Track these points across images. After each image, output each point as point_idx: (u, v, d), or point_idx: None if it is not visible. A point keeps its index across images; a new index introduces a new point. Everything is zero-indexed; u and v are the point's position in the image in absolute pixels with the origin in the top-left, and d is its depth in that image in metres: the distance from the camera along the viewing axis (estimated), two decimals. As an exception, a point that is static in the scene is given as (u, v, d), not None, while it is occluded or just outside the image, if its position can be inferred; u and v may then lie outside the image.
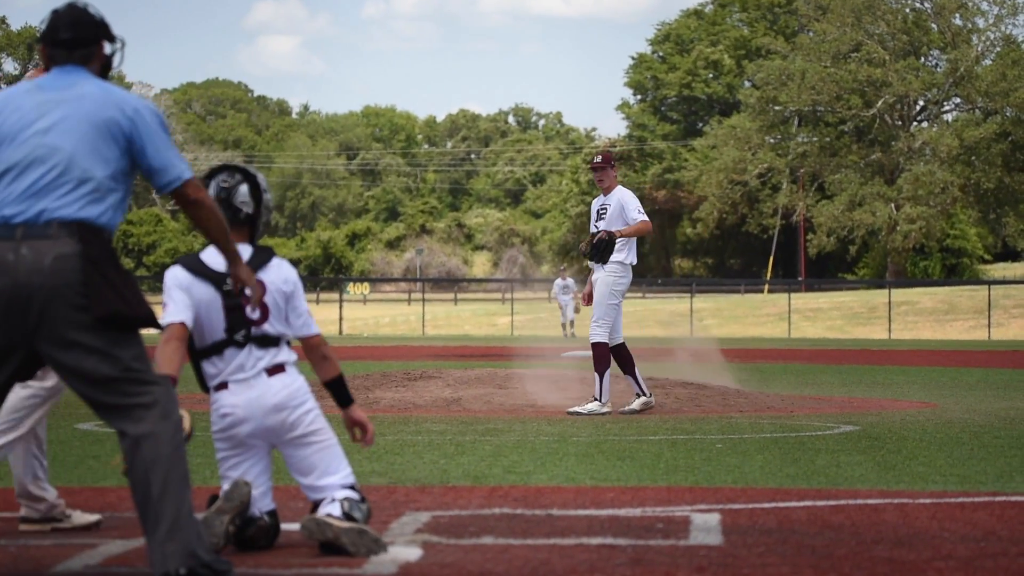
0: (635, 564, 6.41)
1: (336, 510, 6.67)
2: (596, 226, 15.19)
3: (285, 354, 6.81)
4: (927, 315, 59.24)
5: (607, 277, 15.12)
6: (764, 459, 10.76)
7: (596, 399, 14.96)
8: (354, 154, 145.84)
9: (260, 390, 6.72)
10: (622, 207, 15.15)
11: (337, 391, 6.89)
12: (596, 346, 14.98)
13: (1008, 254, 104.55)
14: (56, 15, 6.15)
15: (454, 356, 31.32)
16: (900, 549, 6.83)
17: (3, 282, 5.80)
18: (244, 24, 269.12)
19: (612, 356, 15.02)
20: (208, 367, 6.79)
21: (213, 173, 6.93)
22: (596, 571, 6.26)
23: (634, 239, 15.21)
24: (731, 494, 8.78)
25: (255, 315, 6.76)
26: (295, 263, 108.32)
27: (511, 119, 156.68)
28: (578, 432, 12.88)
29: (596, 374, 14.96)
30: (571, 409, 15.01)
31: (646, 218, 15.14)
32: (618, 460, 10.63)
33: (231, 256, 6.25)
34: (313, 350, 6.87)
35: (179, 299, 6.73)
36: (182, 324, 6.68)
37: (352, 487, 6.79)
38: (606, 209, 15.21)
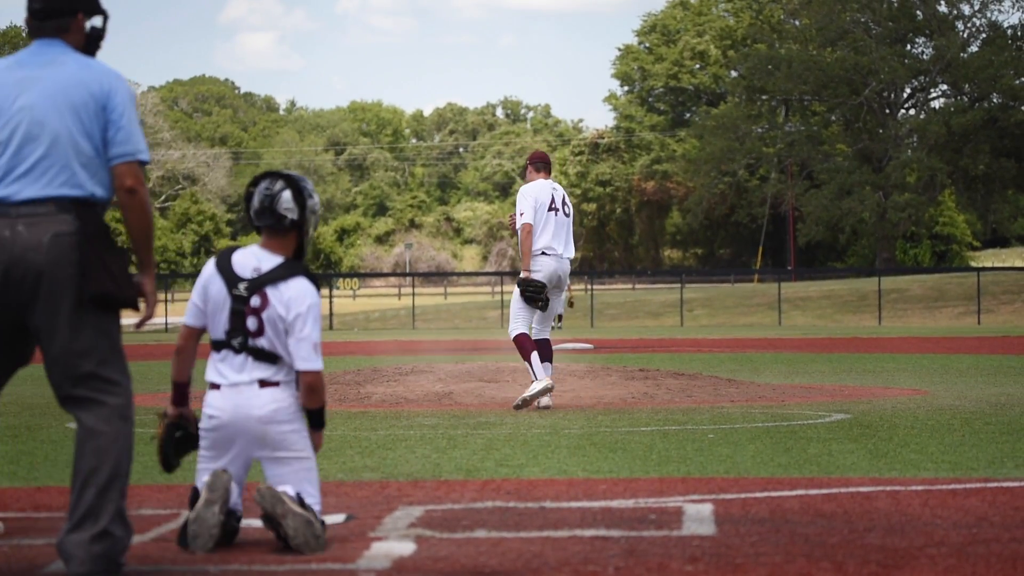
0: (628, 555, 6.41)
1: (291, 491, 6.66)
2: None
3: (284, 374, 6.73)
4: (917, 302, 59.25)
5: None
6: (756, 448, 10.77)
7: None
8: (341, 149, 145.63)
9: (248, 397, 6.67)
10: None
11: (312, 418, 6.80)
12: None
13: (997, 240, 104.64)
14: None
15: (445, 350, 31.30)
16: (892, 536, 6.84)
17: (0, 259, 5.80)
18: (219, 21, 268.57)
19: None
20: (211, 361, 6.80)
21: (256, 180, 6.81)
22: (589, 563, 6.26)
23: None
24: (723, 484, 8.78)
25: (252, 325, 6.70)
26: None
27: (499, 112, 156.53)
28: (569, 425, 12.89)
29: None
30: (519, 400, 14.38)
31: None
32: (610, 452, 10.64)
33: (145, 263, 6.06)
34: (302, 383, 6.70)
35: (196, 299, 6.81)
36: (190, 328, 6.78)
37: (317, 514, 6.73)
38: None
